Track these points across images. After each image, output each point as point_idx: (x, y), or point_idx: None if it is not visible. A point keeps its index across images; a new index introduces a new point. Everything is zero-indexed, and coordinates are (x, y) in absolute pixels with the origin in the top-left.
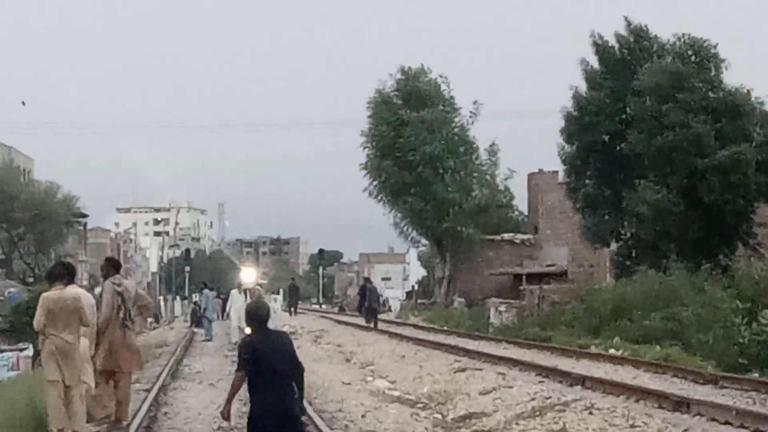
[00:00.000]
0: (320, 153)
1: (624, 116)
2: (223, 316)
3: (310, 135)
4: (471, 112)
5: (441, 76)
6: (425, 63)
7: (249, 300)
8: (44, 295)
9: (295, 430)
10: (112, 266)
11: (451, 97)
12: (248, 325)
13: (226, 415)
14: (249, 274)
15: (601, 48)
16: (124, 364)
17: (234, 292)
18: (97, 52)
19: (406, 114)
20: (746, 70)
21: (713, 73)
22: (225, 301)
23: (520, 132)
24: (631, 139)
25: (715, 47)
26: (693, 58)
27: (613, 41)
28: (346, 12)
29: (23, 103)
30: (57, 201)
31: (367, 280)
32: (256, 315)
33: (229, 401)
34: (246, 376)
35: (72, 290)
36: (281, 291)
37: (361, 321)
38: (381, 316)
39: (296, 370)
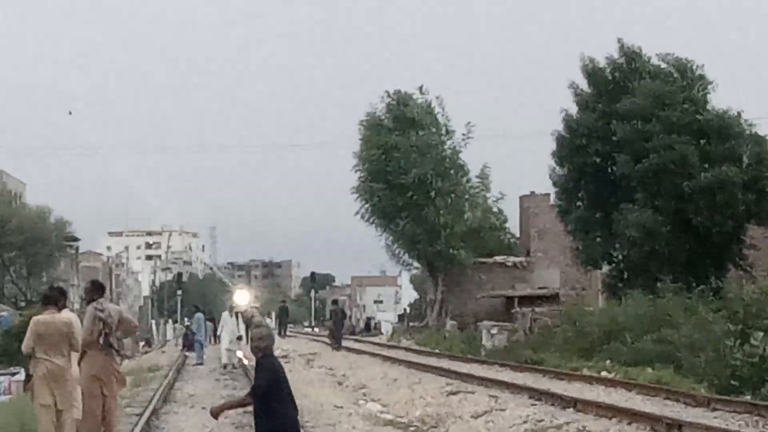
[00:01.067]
0: (312, 176)
1: (615, 138)
2: (214, 339)
3: (302, 158)
4: (463, 134)
5: (437, 98)
6: (417, 85)
7: (240, 323)
8: (35, 318)
9: None
10: (96, 290)
11: (446, 119)
12: (260, 348)
13: (216, 413)
14: (242, 297)
15: (591, 70)
16: (107, 388)
17: (225, 314)
18: (87, 75)
19: (395, 138)
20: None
21: (699, 93)
22: (215, 323)
23: (513, 154)
24: (619, 161)
25: (701, 67)
26: (678, 78)
27: (604, 63)
28: (338, 34)
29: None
30: (49, 225)
31: (335, 302)
32: (270, 338)
33: (230, 407)
34: (251, 402)
35: (64, 314)
36: (272, 314)
37: (352, 344)
38: (372, 339)
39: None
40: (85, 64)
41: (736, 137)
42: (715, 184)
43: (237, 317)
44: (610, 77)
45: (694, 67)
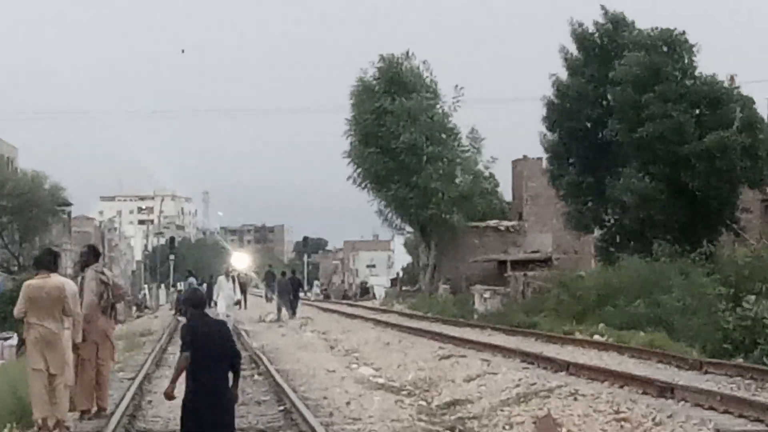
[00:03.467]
0: (304, 141)
1: (605, 103)
2: (208, 303)
3: (295, 123)
4: (453, 98)
5: (424, 63)
6: (407, 49)
7: (237, 287)
8: (27, 282)
9: (227, 417)
10: (93, 254)
11: (434, 84)
12: (186, 309)
13: (169, 394)
14: (241, 260)
15: (580, 35)
16: (101, 352)
17: (221, 278)
18: (82, 40)
19: (387, 102)
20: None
21: (686, 61)
22: (209, 288)
23: (506, 118)
24: (611, 128)
25: (683, 34)
26: (665, 49)
27: (592, 28)
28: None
29: (183, 51)
30: (43, 190)
31: (283, 273)
32: (195, 300)
33: (173, 381)
34: (190, 358)
35: (56, 279)
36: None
37: (346, 308)
38: (365, 304)
39: (233, 359)
40: (81, 28)
41: (727, 103)
42: (715, 147)
43: (234, 281)
44: (599, 42)
45: (678, 35)
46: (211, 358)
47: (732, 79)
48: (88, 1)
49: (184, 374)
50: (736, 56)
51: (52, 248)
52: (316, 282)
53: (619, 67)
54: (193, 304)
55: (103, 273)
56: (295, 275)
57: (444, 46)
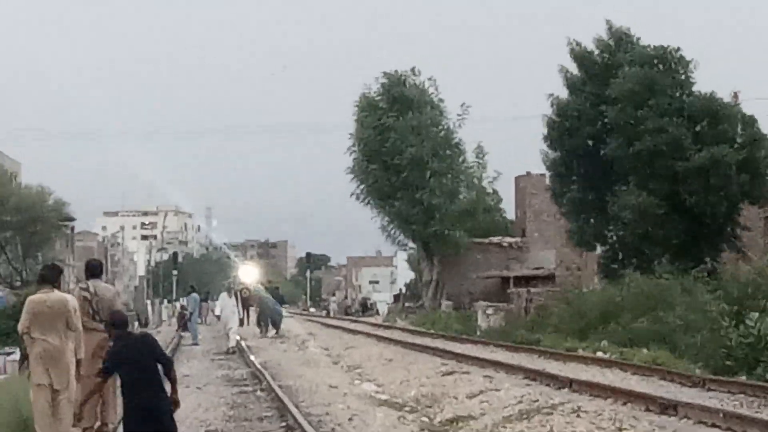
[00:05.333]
0: (308, 157)
1: (605, 120)
2: (201, 318)
3: (298, 139)
4: (458, 115)
5: (430, 79)
6: (411, 67)
7: (239, 304)
8: (30, 297)
9: (166, 426)
10: (87, 270)
11: (440, 100)
12: (110, 330)
13: (77, 419)
14: (249, 273)
15: (579, 54)
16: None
17: (224, 295)
18: (84, 57)
19: (390, 118)
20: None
21: (683, 76)
22: (203, 302)
23: (509, 135)
24: (610, 144)
25: (677, 50)
26: (661, 66)
27: (592, 46)
28: (333, 16)
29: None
30: (47, 205)
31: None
32: (118, 321)
33: (82, 404)
34: (103, 384)
35: (58, 294)
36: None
37: (348, 324)
38: (368, 320)
39: (165, 366)
40: (82, 45)
41: (727, 119)
42: (710, 164)
43: (237, 298)
44: (599, 59)
45: (673, 51)
46: (141, 375)
47: (736, 95)
48: (95, 17)
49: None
50: (740, 73)
51: (55, 263)
52: (332, 298)
53: (616, 83)
54: (117, 325)
55: (86, 288)
56: (278, 290)
57: (449, 63)
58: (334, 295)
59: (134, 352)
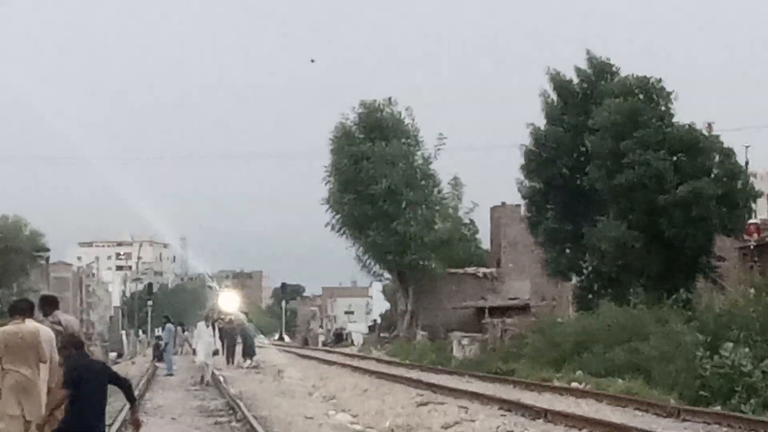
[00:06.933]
0: (283, 187)
1: (583, 150)
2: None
3: (273, 168)
4: (435, 146)
5: (407, 109)
6: (388, 96)
7: (215, 334)
8: (2, 329)
9: None
10: (48, 304)
11: (416, 130)
12: (64, 350)
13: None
14: (229, 300)
15: (558, 83)
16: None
17: (201, 325)
18: (53, 84)
19: (366, 147)
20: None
21: (664, 108)
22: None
23: (484, 165)
24: (590, 175)
25: (659, 81)
26: (641, 96)
27: (572, 74)
28: (307, 46)
29: (312, 61)
30: (23, 236)
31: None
32: (74, 342)
33: (47, 417)
34: (66, 397)
35: (30, 324)
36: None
37: (324, 355)
38: (343, 350)
39: (124, 387)
40: (51, 72)
41: (706, 151)
42: (691, 197)
43: (213, 328)
44: (578, 89)
45: (655, 83)
46: (87, 396)
47: (710, 126)
48: (63, 48)
49: None
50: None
51: (28, 299)
52: (320, 329)
53: (598, 113)
54: (74, 346)
55: (58, 323)
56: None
57: (425, 93)
58: (321, 327)
59: (89, 373)
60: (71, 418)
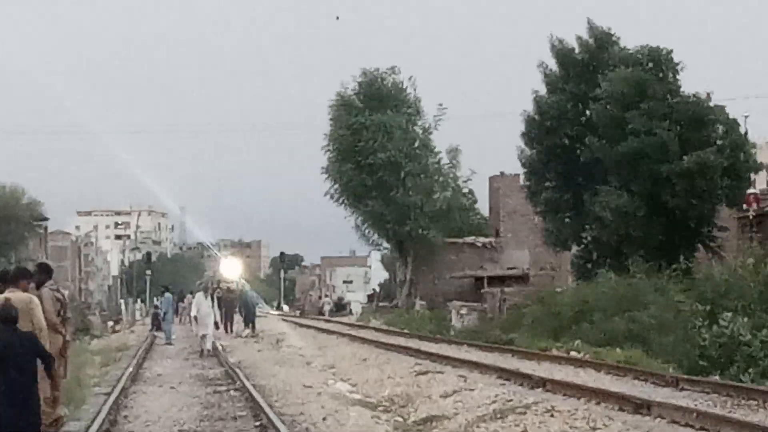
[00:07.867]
0: (283, 156)
1: (585, 120)
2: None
3: (272, 138)
4: (435, 116)
5: (409, 78)
6: (388, 65)
7: (213, 304)
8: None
9: (31, 416)
10: (44, 272)
11: (417, 100)
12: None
13: None
14: (231, 267)
15: (560, 52)
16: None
17: (199, 295)
18: (55, 52)
19: (365, 118)
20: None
21: (671, 79)
22: (177, 302)
23: (484, 134)
24: (591, 144)
25: (670, 52)
26: (651, 66)
27: (574, 44)
28: (307, 15)
29: (337, 18)
30: (21, 205)
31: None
32: (4, 316)
33: None
34: None
35: (23, 293)
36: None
37: (323, 324)
38: (342, 320)
39: (45, 362)
40: (51, 39)
41: (711, 123)
42: (697, 169)
43: (212, 299)
44: (580, 58)
45: (665, 54)
46: (17, 366)
47: (708, 96)
48: (63, 17)
49: None
50: (713, 73)
51: (22, 266)
52: (326, 300)
53: (604, 83)
54: (3, 320)
55: (58, 290)
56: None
57: (424, 61)
58: (327, 296)
59: (18, 347)
60: (2, 391)
